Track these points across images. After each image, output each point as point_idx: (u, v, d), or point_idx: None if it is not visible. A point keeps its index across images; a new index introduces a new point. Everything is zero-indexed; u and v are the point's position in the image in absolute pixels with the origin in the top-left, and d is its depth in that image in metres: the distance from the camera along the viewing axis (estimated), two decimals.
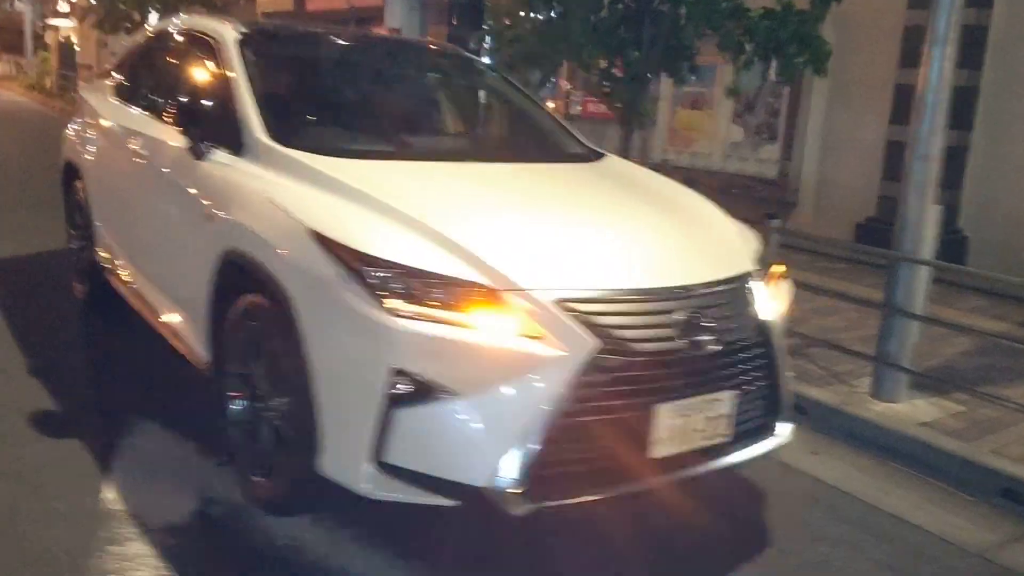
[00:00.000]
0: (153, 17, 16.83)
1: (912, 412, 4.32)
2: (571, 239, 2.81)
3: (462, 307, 2.48)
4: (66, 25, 33.63)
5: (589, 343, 2.45)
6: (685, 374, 2.63)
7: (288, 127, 3.35)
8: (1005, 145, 8.02)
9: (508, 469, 2.43)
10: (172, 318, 3.70)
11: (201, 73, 3.74)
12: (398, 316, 2.46)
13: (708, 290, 2.78)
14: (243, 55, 3.60)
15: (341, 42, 4.20)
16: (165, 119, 3.86)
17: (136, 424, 3.66)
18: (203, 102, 3.44)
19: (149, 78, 4.41)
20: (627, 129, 5.88)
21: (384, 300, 2.48)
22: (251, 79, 3.47)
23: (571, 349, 2.44)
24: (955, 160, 8.26)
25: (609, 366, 2.48)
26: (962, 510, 3.52)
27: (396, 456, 2.50)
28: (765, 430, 2.97)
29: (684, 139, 10.83)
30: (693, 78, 6.42)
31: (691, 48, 6.02)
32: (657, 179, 3.67)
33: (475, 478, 2.45)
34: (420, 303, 2.48)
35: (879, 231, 8.39)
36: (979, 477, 3.71)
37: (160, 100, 4.06)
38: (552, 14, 5.55)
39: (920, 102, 4.25)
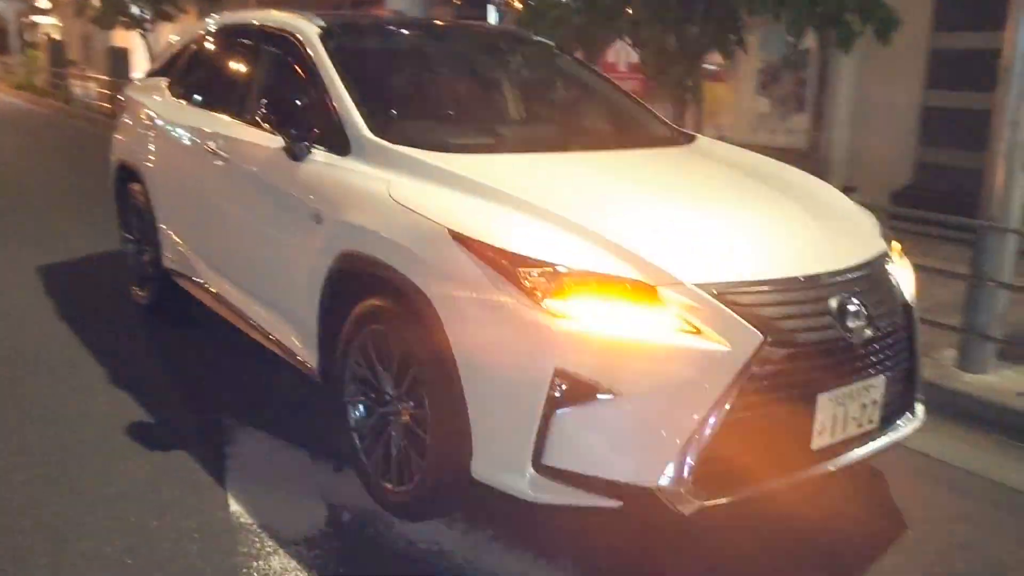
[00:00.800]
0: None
1: (1004, 383, 4.29)
2: (712, 228, 2.75)
3: (622, 305, 2.41)
4: (47, 22, 33.19)
5: (755, 336, 2.39)
6: (844, 362, 2.58)
7: (391, 123, 3.27)
8: None
9: (675, 467, 2.38)
10: (271, 324, 3.63)
11: (286, 71, 3.65)
12: (558, 317, 2.39)
13: (856, 274, 2.73)
14: (329, 50, 3.51)
15: (417, 32, 4.10)
16: (249, 120, 3.76)
17: (239, 433, 3.59)
18: (296, 101, 3.33)
19: (218, 77, 4.30)
20: (679, 107, 5.80)
21: (542, 301, 2.41)
22: (343, 75, 3.38)
23: (736, 343, 2.38)
24: (988, 123, 8.19)
25: (772, 358, 2.42)
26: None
27: (557, 458, 2.45)
28: (905, 412, 2.92)
29: (708, 113, 10.72)
30: (740, 51, 6.31)
31: (740, 21, 5.93)
32: (764, 160, 3.60)
33: (642, 478, 2.40)
34: (578, 302, 2.41)
35: (917, 198, 8.35)
36: None
37: (239, 100, 3.95)
38: None
39: (1007, 68, 4.18)
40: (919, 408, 2.98)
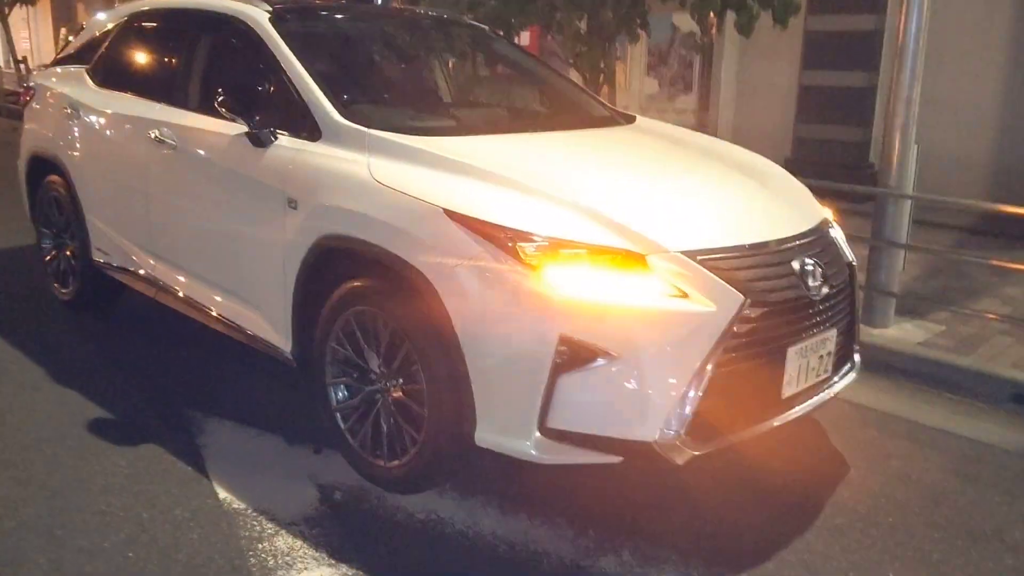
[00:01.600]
0: None
1: (904, 335, 4.75)
2: (683, 200, 2.97)
3: (615, 273, 2.60)
4: None
5: (736, 297, 2.62)
6: (807, 318, 2.85)
7: (357, 108, 3.32)
8: None
9: (670, 421, 2.59)
10: (234, 312, 3.62)
11: (238, 56, 3.64)
12: (559, 286, 2.55)
13: (810, 238, 3.01)
14: (283, 35, 3.51)
15: (360, 17, 4.12)
16: (199, 107, 3.72)
17: (206, 423, 3.58)
18: (257, 87, 3.34)
19: (154, 64, 4.19)
20: (592, 88, 6.03)
21: (543, 272, 2.56)
22: (302, 60, 3.40)
23: (720, 304, 2.60)
24: (864, 99, 8.89)
25: (751, 317, 2.66)
26: (986, 417, 3.94)
27: (561, 421, 2.61)
28: (847, 361, 3.24)
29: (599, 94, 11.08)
30: (642, 35, 6.60)
31: (644, 6, 6.22)
32: (707, 138, 3.86)
33: (640, 433, 2.59)
34: (575, 272, 2.58)
35: (797, 170, 8.96)
36: (990, 387, 4.16)
37: (184, 87, 3.88)
38: None
39: (901, 49, 4.59)
40: (856, 357, 3.31)
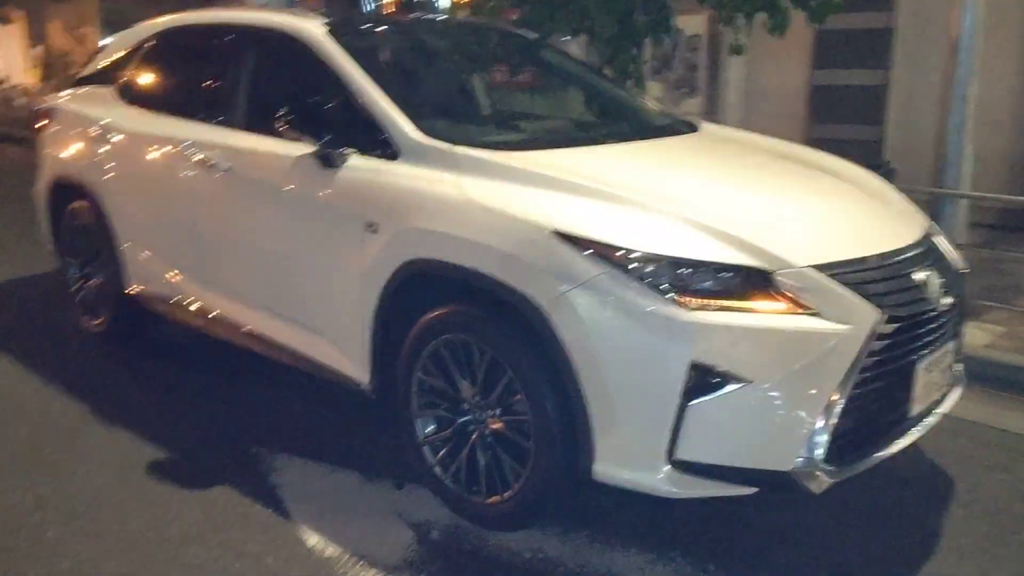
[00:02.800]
0: None
1: (967, 339, 4.63)
2: (794, 212, 2.84)
3: (743, 292, 2.45)
4: None
5: (871, 312, 2.47)
6: (932, 330, 2.72)
7: (434, 124, 3.14)
8: (920, 80, 8.63)
9: (807, 448, 2.44)
10: (302, 342, 3.42)
11: (296, 74, 3.46)
12: (688, 308, 2.40)
13: (923, 247, 2.88)
14: (347, 51, 3.33)
15: (417, 29, 3.96)
16: (254, 127, 3.53)
17: (275, 462, 3.38)
18: (325, 106, 3.15)
19: (194, 83, 3.97)
20: None
21: (669, 294, 2.41)
22: (371, 76, 3.22)
23: (854, 321, 2.46)
24: (877, 98, 8.83)
25: (886, 333, 2.52)
26: None
27: (691, 452, 2.46)
28: (957, 373, 3.11)
29: None
30: (667, 40, 6.47)
31: (669, 10, 6.09)
32: (783, 142, 3.73)
33: (779, 462, 2.45)
34: (702, 293, 2.43)
35: None
36: None
37: (233, 107, 3.68)
38: None
39: (956, 47, 4.51)
40: (960, 368, 3.19)
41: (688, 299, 2.41)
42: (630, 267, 2.45)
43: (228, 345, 3.97)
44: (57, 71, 18.87)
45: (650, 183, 2.84)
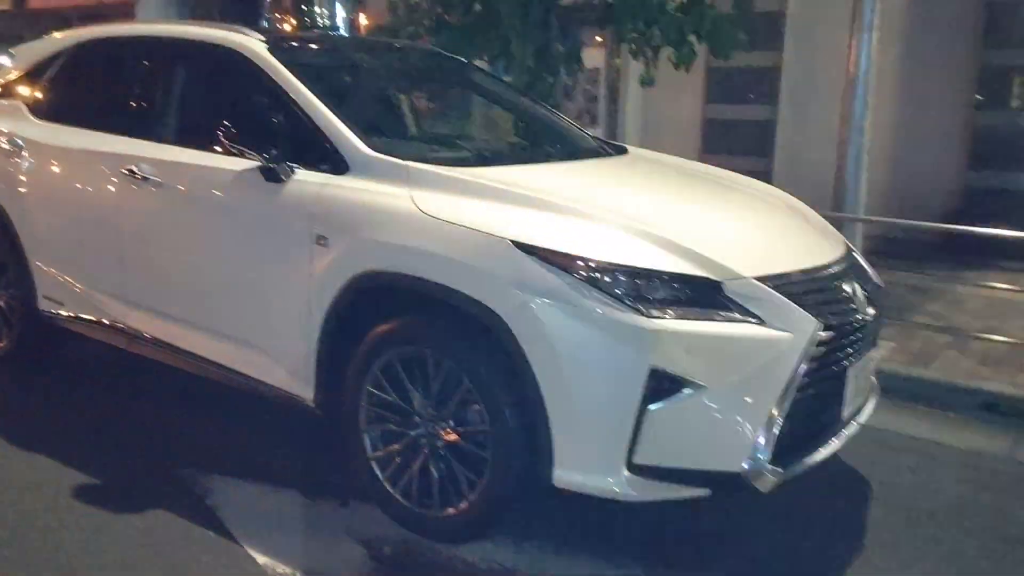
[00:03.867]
0: None
1: None
2: (733, 227, 3.00)
3: (695, 301, 2.57)
4: None
5: (810, 322, 2.64)
6: (861, 338, 2.91)
7: (379, 140, 3.17)
8: (804, 116, 9.20)
9: (758, 450, 2.58)
10: (239, 359, 3.35)
11: (235, 87, 3.40)
12: (646, 316, 2.50)
13: (847, 262, 3.09)
14: (287, 65, 3.32)
15: (351, 48, 3.96)
16: (182, 140, 3.46)
17: (209, 482, 3.27)
18: (271, 120, 3.13)
19: (118, 97, 3.84)
20: None
21: (628, 303, 2.51)
22: (315, 91, 3.22)
23: (796, 329, 2.62)
24: (765, 132, 9.36)
25: (823, 340, 2.69)
26: (966, 426, 4.15)
27: (649, 456, 2.55)
28: (874, 383, 3.34)
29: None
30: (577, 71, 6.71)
31: (581, 43, 6.34)
32: (707, 166, 3.92)
33: (730, 463, 2.57)
34: (658, 302, 2.54)
35: None
36: (961, 397, 4.39)
37: (165, 121, 3.59)
38: (477, 9, 5.58)
39: (852, 83, 4.86)
40: (873, 378, 3.42)
41: (647, 307, 2.51)
42: (589, 276, 2.53)
43: (148, 366, 3.84)
44: None
45: (598, 198, 2.95)
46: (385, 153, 3.04)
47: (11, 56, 4.59)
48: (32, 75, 4.31)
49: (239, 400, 3.55)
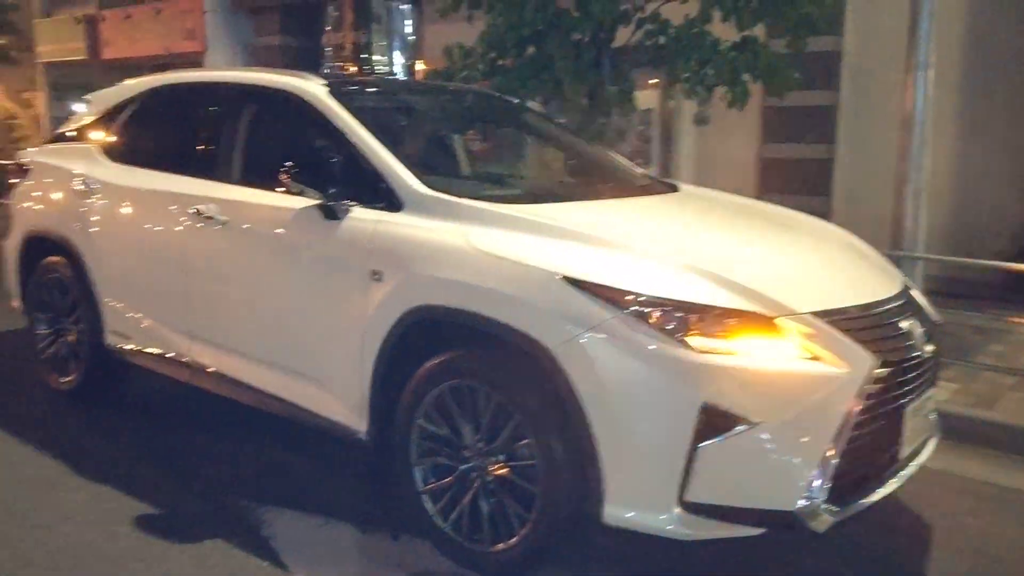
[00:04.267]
0: None
1: None
2: (789, 262, 2.99)
3: (748, 337, 2.56)
4: None
5: (867, 358, 2.60)
6: (919, 376, 2.86)
7: (434, 178, 3.24)
8: (862, 154, 9.09)
9: (814, 488, 2.53)
10: (296, 393, 3.41)
11: (297, 130, 3.53)
12: (698, 352, 2.49)
13: (904, 299, 3.05)
14: (347, 108, 3.43)
15: (408, 91, 4.08)
16: (247, 181, 3.58)
17: (266, 514, 3.32)
18: (325, 160, 3.22)
19: (186, 138, 4.00)
20: None
21: (679, 338, 2.50)
22: (373, 132, 3.32)
23: (852, 365, 2.58)
24: (823, 171, 9.26)
25: (880, 377, 2.64)
26: None
27: (699, 493, 2.52)
28: (934, 422, 3.25)
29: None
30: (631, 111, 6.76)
31: (633, 83, 6.39)
32: (761, 203, 3.92)
33: (784, 502, 2.53)
34: (711, 337, 2.53)
35: None
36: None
37: (230, 162, 3.72)
38: (530, 52, 5.70)
39: (909, 120, 4.81)
40: (935, 417, 3.33)
41: (699, 342, 2.50)
42: (639, 311, 2.54)
43: (208, 401, 3.94)
44: (2, 134, 18.59)
45: (650, 234, 2.97)
46: (438, 191, 3.11)
47: (87, 102, 4.82)
48: (106, 120, 4.51)
49: (297, 433, 3.61)
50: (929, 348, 2.92)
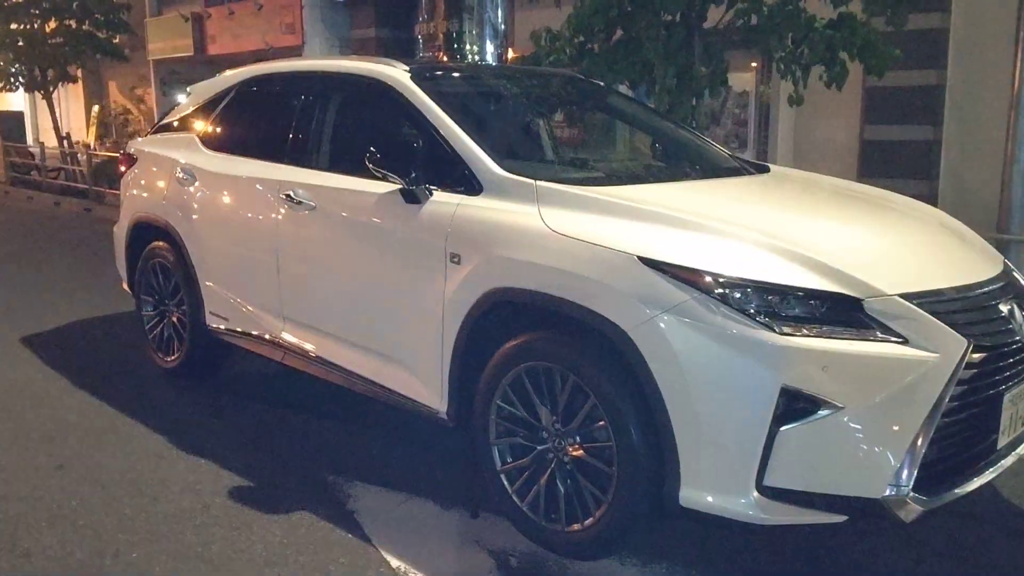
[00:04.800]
0: None
1: None
2: (879, 243, 2.88)
3: (832, 318, 2.48)
4: None
5: (960, 342, 2.49)
6: (1019, 363, 2.71)
7: (513, 162, 3.25)
8: (971, 136, 8.66)
9: (899, 476, 2.44)
10: (381, 373, 3.50)
11: (380, 116, 3.59)
12: (778, 333, 2.43)
13: (1004, 281, 2.89)
14: (428, 94, 3.47)
15: (493, 75, 4.11)
16: (339, 168, 3.67)
17: (352, 489, 3.43)
18: (412, 145, 3.27)
19: (279, 128, 4.12)
20: None
21: (758, 319, 2.45)
22: (452, 117, 3.35)
23: (944, 349, 2.47)
24: (929, 153, 8.87)
25: (974, 362, 2.52)
26: None
27: (779, 478, 2.46)
28: None
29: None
30: (723, 92, 6.63)
31: (726, 63, 6.24)
32: (854, 184, 3.79)
33: (868, 489, 2.44)
34: (792, 320, 2.46)
35: None
36: None
37: (319, 149, 3.83)
38: (618, 35, 5.65)
39: (1017, 98, 4.55)
40: None
41: (780, 324, 2.44)
42: (718, 292, 2.49)
43: (301, 380, 4.08)
44: (115, 129, 19.61)
45: (732, 213, 2.90)
46: (519, 174, 3.12)
47: (188, 94, 5.03)
48: (204, 110, 4.70)
49: (387, 414, 3.69)
50: None
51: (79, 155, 15.68)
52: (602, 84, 4.43)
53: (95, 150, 15.85)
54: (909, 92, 8.77)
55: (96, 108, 20.33)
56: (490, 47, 10.74)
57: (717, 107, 10.29)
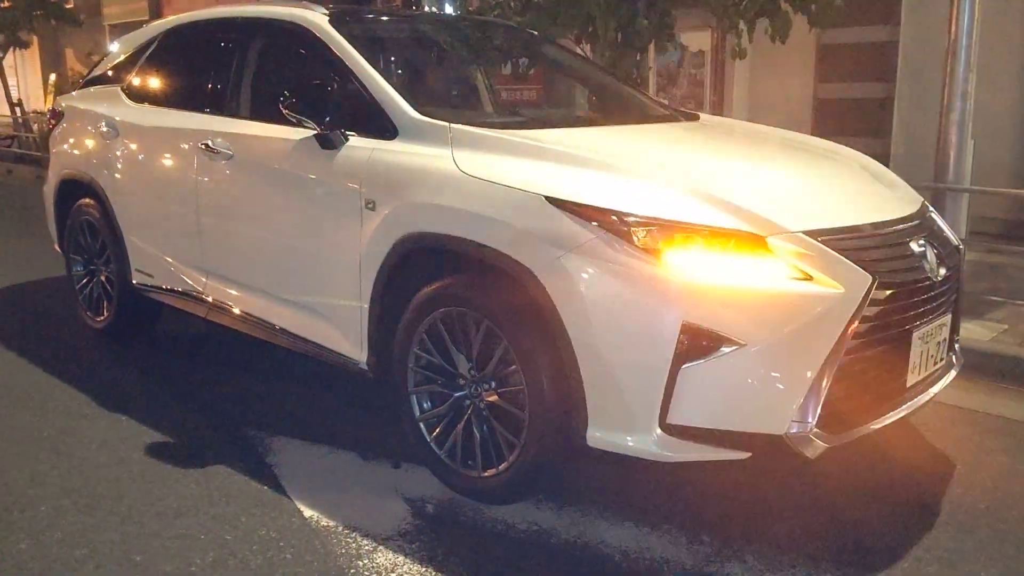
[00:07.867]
0: None
1: (969, 334, 4.61)
2: (790, 183, 2.86)
3: (736, 256, 2.45)
4: None
5: (865, 278, 2.47)
6: (928, 300, 2.71)
7: (428, 106, 3.18)
8: (924, 93, 8.65)
9: (801, 412, 2.43)
10: (302, 325, 3.44)
11: (297, 60, 3.50)
12: (680, 271, 2.40)
13: (919, 220, 2.89)
14: (346, 37, 3.38)
15: (414, 21, 4.02)
16: (255, 115, 3.58)
17: (272, 443, 3.39)
18: (326, 89, 3.19)
19: (197, 76, 4.02)
20: None
21: (662, 257, 2.42)
22: (370, 61, 3.27)
23: (848, 285, 2.46)
24: (881, 110, 8.87)
25: (880, 299, 2.52)
26: None
27: (683, 416, 2.45)
28: (953, 353, 3.10)
29: None
30: (672, 49, 6.56)
31: (672, 17, 6.17)
32: (779, 130, 3.75)
33: (772, 426, 2.43)
34: (695, 256, 2.44)
35: None
36: None
37: (237, 96, 3.74)
38: None
39: (954, 47, 4.53)
40: (957, 348, 3.17)
41: (682, 262, 2.41)
42: (622, 231, 2.46)
43: (232, 337, 4.01)
44: None
45: (642, 154, 2.87)
46: (436, 118, 3.05)
47: (117, 45, 4.89)
48: (129, 61, 4.58)
49: (313, 369, 3.64)
50: (943, 272, 2.76)
51: (32, 123, 15.32)
52: (535, 33, 4.35)
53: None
54: (862, 49, 8.76)
55: (53, 76, 19.85)
56: (449, 8, 10.58)
57: (674, 67, 10.25)
